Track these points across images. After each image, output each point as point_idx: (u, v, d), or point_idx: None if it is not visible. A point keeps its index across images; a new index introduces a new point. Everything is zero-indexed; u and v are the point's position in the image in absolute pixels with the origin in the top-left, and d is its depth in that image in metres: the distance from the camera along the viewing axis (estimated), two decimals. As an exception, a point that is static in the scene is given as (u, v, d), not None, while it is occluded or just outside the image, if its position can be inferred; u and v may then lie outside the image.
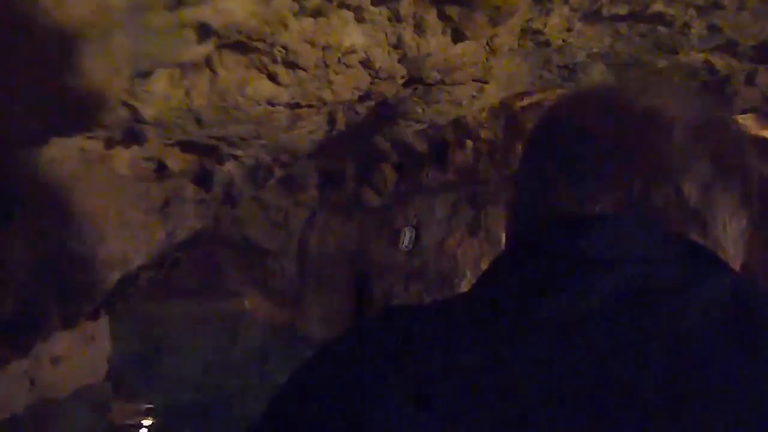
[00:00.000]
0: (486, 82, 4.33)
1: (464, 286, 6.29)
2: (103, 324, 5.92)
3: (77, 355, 5.50)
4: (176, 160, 4.35)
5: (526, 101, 5.54)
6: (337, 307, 8.17)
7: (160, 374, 8.74)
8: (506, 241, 0.68)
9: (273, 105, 3.62)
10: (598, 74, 4.44)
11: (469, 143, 6.33)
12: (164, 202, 4.64)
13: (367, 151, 7.40)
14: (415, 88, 4.39)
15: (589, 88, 0.73)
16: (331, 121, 4.57)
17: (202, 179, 4.73)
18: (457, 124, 6.12)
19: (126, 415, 7.10)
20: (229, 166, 4.79)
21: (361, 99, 4.20)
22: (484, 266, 0.74)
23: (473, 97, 4.54)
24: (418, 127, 5.36)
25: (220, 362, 9.68)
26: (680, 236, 0.56)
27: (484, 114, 5.99)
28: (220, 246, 10.34)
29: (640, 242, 0.54)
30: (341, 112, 4.49)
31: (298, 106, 3.80)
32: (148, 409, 7.61)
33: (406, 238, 6.92)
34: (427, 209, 7.16)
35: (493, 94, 4.66)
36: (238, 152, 4.53)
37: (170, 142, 4.03)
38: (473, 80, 4.26)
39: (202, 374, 8.71)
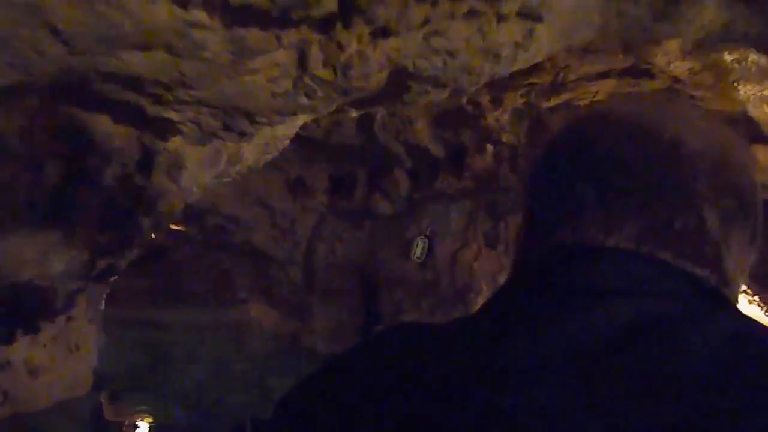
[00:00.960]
0: (539, 19, 2.76)
1: (480, 303, 5.75)
2: (88, 331, 5.46)
3: (59, 366, 5.04)
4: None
5: (553, 101, 5.02)
6: (345, 320, 7.66)
7: (157, 388, 8.31)
8: (515, 264, 0.65)
9: (185, 7, 2.20)
10: (711, 12, 3.00)
11: (489, 147, 5.81)
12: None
13: (378, 154, 6.92)
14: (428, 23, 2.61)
15: (609, 109, 0.66)
16: (302, 60, 2.71)
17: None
18: (476, 126, 5.61)
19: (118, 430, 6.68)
20: (177, 142, 3.52)
21: (345, 16, 2.47)
22: (502, 281, 0.62)
23: (517, 46, 2.91)
24: (437, 94, 3.37)
25: (222, 374, 9.21)
26: (689, 272, 0.56)
27: (506, 116, 5.47)
28: (226, 252, 9.93)
29: (650, 277, 0.55)
30: (317, 45, 2.62)
31: (241, 23, 2.31)
32: (140, 425, 7.19)
33: (419, 248, 6.40)
34: (442, 218, 6.67)
35: (544, 44, 3.04)
36: (170, 113, 3.04)
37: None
38: (520, 14, 2.69)
39: (201, 389, 8.24)
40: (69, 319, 5.12)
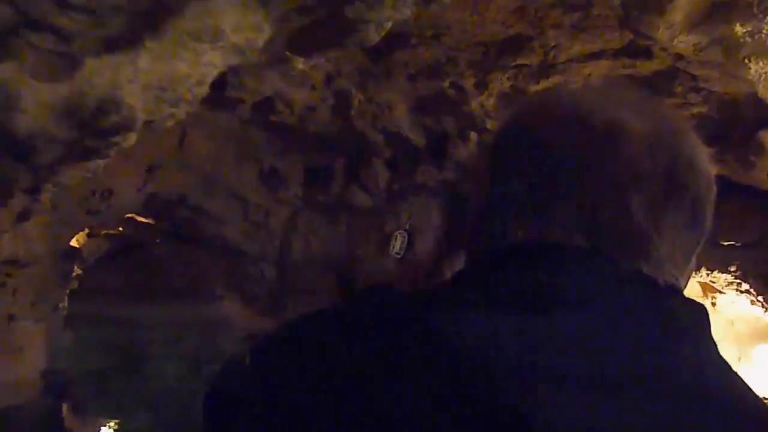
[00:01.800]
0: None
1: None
2: (33, 332, 4.95)
3: (-1, 371, 4.55)
4: None
5: (542, 84, 4.59)
6: (319, 318, 7.19)
7: (123, 394, 7.81)
8: (468, 258, 0.65)
9: None
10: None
11: (473, 135, 5.38)
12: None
13: (356, 143, 6.47)
14: None
15: (549, 97, 0.65)
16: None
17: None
18: (459, 112, 5.17)
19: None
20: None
21: None
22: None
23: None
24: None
25: (196, 375, 8.72)
26: (615, 264, 0.55)
27: (491, 101, 5.04)
28: (196, 246, 9.44)
29: (596, 279, 0.54)
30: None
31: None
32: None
33: (398, 243, 5.89)
34: (423, 211, 6.23)
35: None
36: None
37: None
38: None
39: (169, 394, 7.76)
40: (10, 317, 4.62)
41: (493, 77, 4.72)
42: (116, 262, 12.92)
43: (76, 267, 9.07)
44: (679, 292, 0.56)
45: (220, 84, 6.14)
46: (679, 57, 3.63)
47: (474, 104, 5.06)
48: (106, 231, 9.74)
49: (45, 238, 5.62)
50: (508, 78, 4.70)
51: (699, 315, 0.55)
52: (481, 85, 4.78)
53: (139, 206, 7.37)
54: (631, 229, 0.54)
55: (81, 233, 9.46)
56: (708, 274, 4.55)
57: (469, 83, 4.85)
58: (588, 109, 0.57)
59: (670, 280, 0.56)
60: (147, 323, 12.24)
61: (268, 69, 5.81)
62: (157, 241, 9.79)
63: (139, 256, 12.60)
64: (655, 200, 0.55)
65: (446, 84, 5.01)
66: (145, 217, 8.40)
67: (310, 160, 7.20)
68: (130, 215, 8.43)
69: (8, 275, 4.55)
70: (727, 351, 4.89)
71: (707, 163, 0.59)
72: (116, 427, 6.86)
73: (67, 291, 8.73)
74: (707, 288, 4.84)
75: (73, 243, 9.05)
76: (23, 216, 4.17)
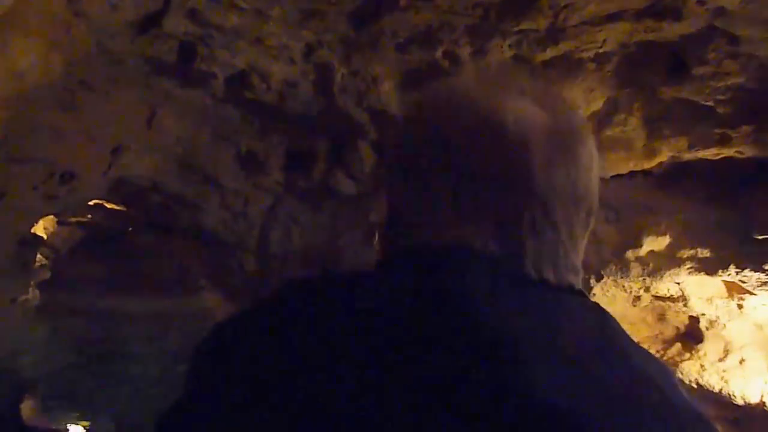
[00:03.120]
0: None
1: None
2: None
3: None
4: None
5: (549, 52, 3.96)
6: (301, 314, 6.56)
7: (91, 397, 7.18)
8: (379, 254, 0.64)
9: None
10: None
11: (469, 113, 4.71)
12: None
13: (340, 124, 5.81)
14: None
15: (445, 92, 0.63)
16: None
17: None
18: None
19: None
20: None
21: None
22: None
23: None
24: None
25: (171, 377, 8.08)
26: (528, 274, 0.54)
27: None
28: (172, 235, 8.80)
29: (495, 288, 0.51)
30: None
31: None
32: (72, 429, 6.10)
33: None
34: (412, 199, 5.58)
35: None
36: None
37: None
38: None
39: (144, 397, 7.13)
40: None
41: (492, 45, 4.07)
42: (95, 251, 12.26)
43: (41, 256, 8.39)
44: (579, 292, 0.55)
45: (188, 56, 5.47)
46: (720, 12, 3.00)
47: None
48: (76, 219, 9.07)
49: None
50: (509, 46, 4.05)
51: (600, 313, 0.53)
52: (479, 54, 4.13)
53: (105, 191, 6.70)
54: (555, 231, 0.53)
55: (49, 220, 8.78)
56: (737, 273, 3.96)
57: (464, 51, 4.20)
58: (488, 106, 0.54)
59: (569, 281, 0.55)
60: (127, 316, 11.57)
61: (240, 39, 5.15)
62: (129, 229, 9.11)
63: (120, 246, 11.94)
64: (565, 199, 0.54)
65: (438, 54, 4.36)
66: (115, 203, 7.73)
67: (292, 143, 6.53)
68: (97, 201, 7.76)
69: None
70: (754, 358, 4.24)
71: (598, 171, 0.58)
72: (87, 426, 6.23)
73: (32, 282, 8.05)
74: (734, 288, 4.26)
75: (39, 231, 8.38)
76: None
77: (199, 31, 5.08)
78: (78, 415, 6.25)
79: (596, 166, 0.56)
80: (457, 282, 0.49)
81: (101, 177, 6.29)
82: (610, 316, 0.53)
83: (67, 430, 5.86)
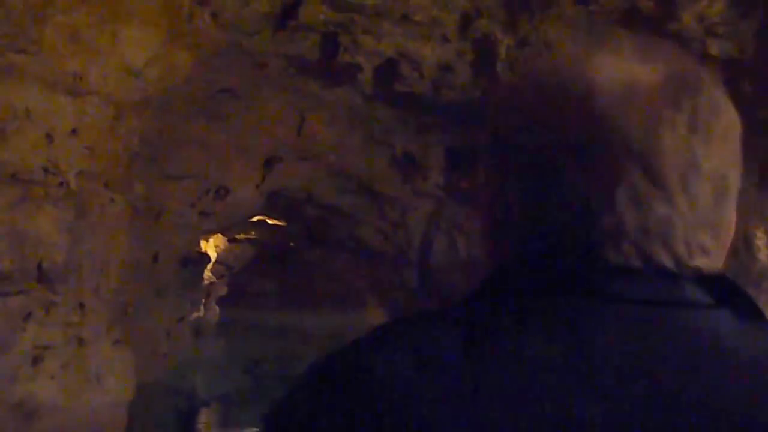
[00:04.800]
0: None
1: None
2: (115, 356, 3.95)
3: (71, 403, 3.62)
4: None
5: None
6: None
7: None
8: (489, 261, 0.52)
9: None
10: None
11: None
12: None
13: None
14: None
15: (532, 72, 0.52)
16: None
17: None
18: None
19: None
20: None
21: None
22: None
23: None
24: None
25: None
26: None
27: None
28: (337, 249, 8.36)
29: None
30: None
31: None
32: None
33: None
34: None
35: None
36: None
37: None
38: None
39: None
40: (80, 341, 3.67)
41: None
42: (268, 268, 12.45)
43: (209, 273, 8.41)
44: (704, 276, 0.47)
45: (331, 49, 4.87)
46: None
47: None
48: (246, 236, 9.06)
49: (143, 245, 4.73)
50: None
51: (731, 284, 0.47)
52: None
53: (260, 206, 6.38)
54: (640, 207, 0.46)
55: (219, 238, 8.85)
56: None
57: None
58: (575, 68, 0.48)
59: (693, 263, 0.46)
60: (301, 333, 11.51)
61: (385, 19, 4.40)
62: (291, 244, 8.86)
63: (292, 262, 11.97)
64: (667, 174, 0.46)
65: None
66: (274, 218, 7.46)
67: (451, 140, 5.66)
68: (260, 218, 7.56)
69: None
70: None
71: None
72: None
73: (202, 300, 8.07)
74: None
75: (210, 249, 8.42)
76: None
77: (339, 17, 4.45)
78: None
79: (730, 129, 0.46)
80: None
81: (255, 190, 5.96)
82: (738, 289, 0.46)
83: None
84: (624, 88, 0.46)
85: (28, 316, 3.15)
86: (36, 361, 3.44)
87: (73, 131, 2.72)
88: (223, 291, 10.52)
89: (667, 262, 0.44)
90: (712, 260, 0.47)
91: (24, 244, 2.66)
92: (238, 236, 9.01)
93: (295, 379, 0.48)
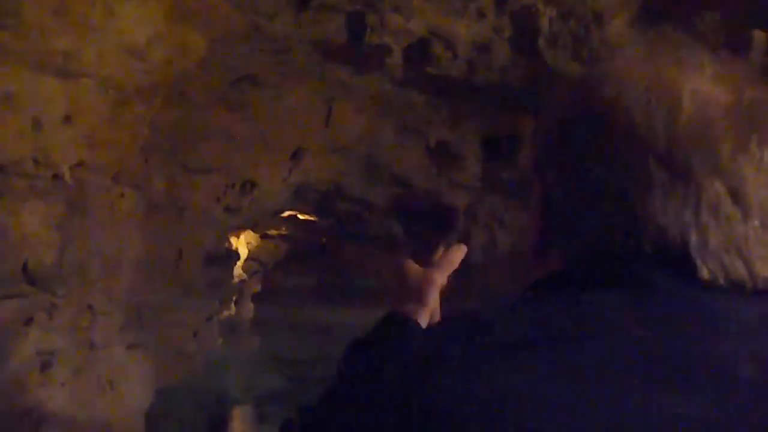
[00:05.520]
0: None
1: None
2: (128, 362, 3.69)
3: (84, 412, 3.39)
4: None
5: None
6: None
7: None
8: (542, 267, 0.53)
9: None
10: None
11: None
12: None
13: (549, 90, 4.36)
14: None
15: (621, 70, 0.52)
16: None
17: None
18: None
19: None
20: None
21: None
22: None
23: None
24: None
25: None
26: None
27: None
28: (370, 244, 8.03)
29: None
30: None
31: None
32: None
33: None
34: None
35: None
36: None
37: None
38: None
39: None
40: (91, 345, 3.43)
41: None
42: (303, 264, 12.22)
43: (241, 271, 8.18)
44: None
45: (358, 30, 4.52)
46: None
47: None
48: (277, 232, 8.82)
49: (162, 240, 4.48)
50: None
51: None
52: None
53: (288, 200, 6.09)
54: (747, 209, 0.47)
55: (251, 235, 8.62)
56: None
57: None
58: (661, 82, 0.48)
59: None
60: (339, 331, 11.23)
61: (416, -7, 4.01)
62: (323, 240, 8.57)
63: (327, 257, 11.73)
64: (743, 174, 0.47)
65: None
66: (304, 212, 7.18)
67: (489, 127, 5.24)
68: (290, 213, 7.28)
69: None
70: None
71: None
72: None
73: (233, 297, 7.85)
74: None
75: (241, 245, 8.20)
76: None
77: (366, -6, 4.09)
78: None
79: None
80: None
81: (282, 184, 5.67)
82: None
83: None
84: (709, 108, 0.45)
85: (29, 321, 2.91)
86: (44, 367, 3.20)
87: (67, 118, 2.46)
88: (256, 288, 10.30)
89: (745, 276, 0.45)
90: None
91: (6, 243, 2.41)
92: (270, 232, 8.76)
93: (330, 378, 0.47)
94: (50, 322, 2.92)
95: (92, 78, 2.46)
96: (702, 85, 0.47)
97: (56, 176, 2.55)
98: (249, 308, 10.20)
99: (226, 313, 7.16)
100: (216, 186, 5.24)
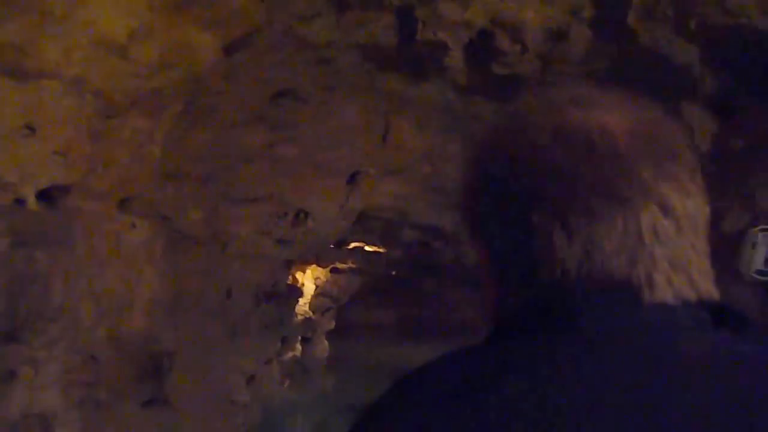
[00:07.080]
0: None
1: None
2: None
3: None
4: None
5: None
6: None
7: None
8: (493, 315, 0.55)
9: None
10: None
11: None
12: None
13: (643, 81, 3.48)
14: None
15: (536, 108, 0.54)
16: None
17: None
18: None
19: None
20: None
21: None
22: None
23: None
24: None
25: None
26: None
27: None
28: (442, 275, 7.25)
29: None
30: None
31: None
32: None
33: (757, 254, 2.68)
34: None
35: None
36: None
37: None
38: None
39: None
40: (97, 404, 2.89)
41: None
42: (378, 298, 11.60)
43: (306, 309, 7.61)
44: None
45: (409, 27, 3.88)
46: None
47: None
48: (347, 265, 8.23)
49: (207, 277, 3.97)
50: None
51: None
52: None
53: (347, 229, 5.47)
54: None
55: (319, 270, 8.08)
56: None
57: None
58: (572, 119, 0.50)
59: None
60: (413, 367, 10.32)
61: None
62: (393, 273, 7.87)
63: (408, 291, 11.10)
64: (666, 202, 0.48)
65: None
66: (369, 243, 6.53)
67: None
68: (356, 245, 6.66)
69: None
70: None
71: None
72: None
73: (297, 337, 7.27)
74: None
75: (308, 280, 7.66)
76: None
77: (413, -17, 3.46)
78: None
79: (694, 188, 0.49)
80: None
81: (338, 212, 5.07)
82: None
83: None
84: (631, 134, 0.47)
85: (10, 376, 2.40)
86: None
87: (28, 128, 1.96)
88: (330, 326, 9.72)
89: (690, 293, 0.46)
90: (713, 285, 0.47)
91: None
92: (338, 266, 8.18)
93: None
94: (36, 377, 2.43)
95: (57, 79, 1.98)
96: (623, 112, 0.48)
97: (18, 201, 2.07)
98: (323, 347, 9.61)
99: (291, 354, 6.58)
100: (263, 216, 4.71)
